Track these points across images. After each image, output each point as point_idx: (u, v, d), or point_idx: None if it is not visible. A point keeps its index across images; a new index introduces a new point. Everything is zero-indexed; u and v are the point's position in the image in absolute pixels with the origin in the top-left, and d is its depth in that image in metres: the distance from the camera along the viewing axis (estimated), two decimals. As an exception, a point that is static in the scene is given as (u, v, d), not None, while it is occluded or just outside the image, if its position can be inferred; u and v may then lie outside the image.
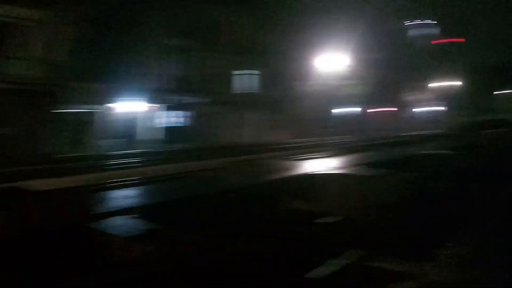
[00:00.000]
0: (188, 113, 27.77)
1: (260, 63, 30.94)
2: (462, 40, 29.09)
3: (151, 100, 24.66)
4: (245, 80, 31.64)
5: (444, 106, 51.36)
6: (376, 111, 45.98)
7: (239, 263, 4.17)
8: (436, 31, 53.37)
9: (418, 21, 52.50)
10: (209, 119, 28.57)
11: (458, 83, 49.93)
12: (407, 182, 6.16)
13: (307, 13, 32.04)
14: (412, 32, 53.16)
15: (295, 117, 35.43)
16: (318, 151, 17.95)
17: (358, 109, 40.15)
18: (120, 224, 6.14)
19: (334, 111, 38.59)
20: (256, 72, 31.22)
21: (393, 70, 44.85)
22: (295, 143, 26.73)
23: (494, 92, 61.56)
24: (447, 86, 49.19)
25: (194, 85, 27.46)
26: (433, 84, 43.18)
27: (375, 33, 40.99)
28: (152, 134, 25.09)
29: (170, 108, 26.54)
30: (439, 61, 42.23)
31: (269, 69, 30.98)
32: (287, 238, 4.79)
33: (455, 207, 6.20)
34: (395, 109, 48.39)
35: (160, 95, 25.34)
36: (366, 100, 39.27)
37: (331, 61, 32.18)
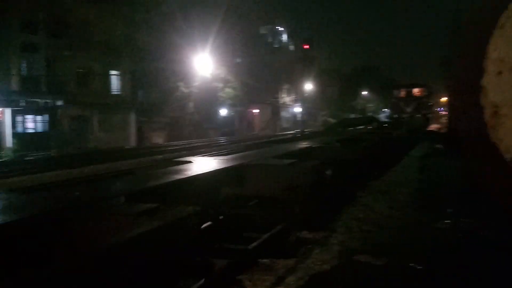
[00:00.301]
0: (49, 117, 24.71)
1: (135, 63, 29.30)
2: (305, 46, 32.22)
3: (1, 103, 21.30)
4: (118, 81, 29.69)
5: (311, 108, 55.60)
6: (253, 112, 47.76)
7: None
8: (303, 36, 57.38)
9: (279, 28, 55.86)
10: (77, 123, 25.93)
11: (316, 86, 54.59)
12: (310, 167, 6.47)
13: (182, 16, 31.46)
14: (281, 37, 56.59)
15: (175, 119, 34.67)
16: (212, 151, 17.57)
17: (237, 110, 41.07)
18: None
19: (214, 112, 38.82)
20: (122, 73, 29.41)
21: (266, 73, 47.01)
22: (180, 145, 25.83)
23: (362, 93, 69.41)
24: (313, 89, 53.42)
25: (55, 86, 24.58)
26: (303, 87, 46.68)
27: (247, 37, 42.47)
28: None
29: (24, 111, 23.29)
30: (304, 65, 45.65)
31: (145, 70, 29.53)
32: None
33: (345, 189, 7.53)
34: (270, 110, 50.90)
35: (12, 96, 22.06)
36: (244, 102, 40.40)
37: (207, 64, 32.55)
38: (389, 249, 4.49)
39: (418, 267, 3.84)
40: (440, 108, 78.08)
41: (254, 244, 4.81)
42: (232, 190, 5.76)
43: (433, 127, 36.04)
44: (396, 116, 35.12)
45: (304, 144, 10.66)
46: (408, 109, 35.64)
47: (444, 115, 69.45)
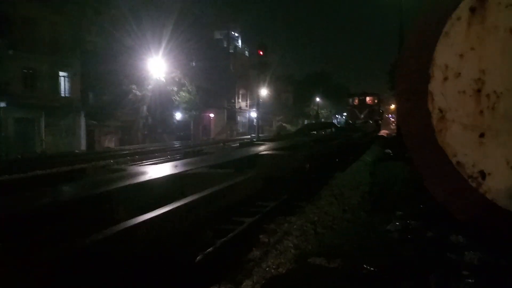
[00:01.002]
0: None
1: (85, 65, 28.24)
2: (260, 52, 33.16)
3: None
4: (67, 83, 28.49)
5: (266, 113, 55.98)
6: (209, 117, 47.45)
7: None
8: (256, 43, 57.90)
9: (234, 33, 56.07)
10: (22, 126, 24.57)
11: (271, 91, 55.27)
12: (303, 157, 8.38)
13: (134, 18, 30.71)
14: (236, 42, 56.78)
15: (127, 123, 33.77)
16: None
17: (193, 115, 40.60)
18: None
19: (169, 116, 38.18)
20: (71, 74, 28.29)
21: (222, 77, 46.94)
22: (132, 150, 25.11)
23: (316, 99, 70.68)
24: (268, 94, 53.93)
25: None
26: (258, 93, 47.02)
27: (201, 41, 42.21)
28: None
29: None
30: (259, 71, 46.03)
31: (95, 71, 28.51)
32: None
33: (325, 176, 9.56)
34: (226, 115, 50.81)
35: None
36: (199, 106, 40.02)
37: (161, 67, 32.06)
38: (343, 251, 4.60)
39: (371, 268, 3.96)
40: (389, 115, 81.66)
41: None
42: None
43: (383, 132, 38.74)
44: (350, 122, 38.11)
45: (282, 144, 11.33)
46: (362, 116, 38.28)
47: (392, 122, 72.77)
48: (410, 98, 3.62)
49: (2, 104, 23.15)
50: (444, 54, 3.48)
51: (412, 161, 4.30)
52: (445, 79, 3.45)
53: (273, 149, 8.92)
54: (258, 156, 7.50)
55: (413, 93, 3.58)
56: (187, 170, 5.63)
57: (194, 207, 4.05)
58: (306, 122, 72.29)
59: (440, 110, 3.47)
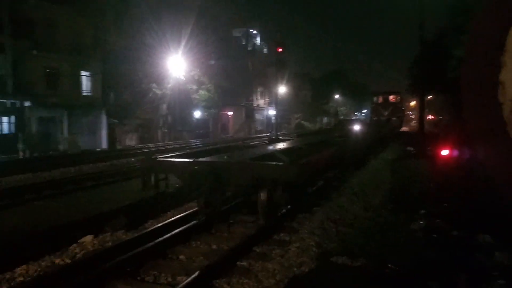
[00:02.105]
0: (17, 119, 23.80)
1: (105, 64, 28.67)
2: (278, 50, 33.50)
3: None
4: (89, 82, 28.99)
5: (285, 111, 55.89)
6: (227, 115, 47.60)
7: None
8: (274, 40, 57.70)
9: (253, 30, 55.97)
10: (46, 124, 25.13)
11: (289, 89, 55.04)
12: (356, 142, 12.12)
13: (154, 17, 30.98)
14: (255, 40, 56.71)
15: (147, 121, 34.17)
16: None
17: (211, 113, 40.82)
18: None
19: (188, 114, 38.44)
20: (92, 74, 28.74)
21: (240, 75, 47.00)
22: (157, 147, 25.37)
23: (334, 97, 70.15)
24: (286, 92, 53.72)
25: (23, 87, 23.74)
26: (277, 90, 46.93)
27: (220, 39, 42.30)
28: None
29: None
30: (277, 68, 45.94)
31: (116, 71, 28.90)
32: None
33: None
34: (244, 112, 50.84)
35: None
36: (218, 104, 40.20)
37: (181, 65, 32.26)
38: (367, 251, 4.54)
39: (395, 268, 3.89)
40: (410, 112, 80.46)
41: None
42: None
43: (405, 128, 40.44)
44: (375, 118, 41.10)
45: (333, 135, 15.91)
46: (386, 113, 41.02)
47: (412, 118, 71.65)
48: (477, 89, 3.35)
49: (27, 104, 23.71)
50: None
51: (480, 159, 3.97)
52: None
53: (334, 137, 13.64)
54: (333, 140, 12.34)
55: (481, 84, 3.33)
56: (301, 144, 10.46)
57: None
58: (325, 119, 71.80)
59: None
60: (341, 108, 74.97)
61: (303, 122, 60.42)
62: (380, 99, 43.29)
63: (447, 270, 3.59)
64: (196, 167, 6.71)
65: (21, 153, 22.58)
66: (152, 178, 7.34)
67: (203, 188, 6.55)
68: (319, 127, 56.93)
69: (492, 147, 3.35)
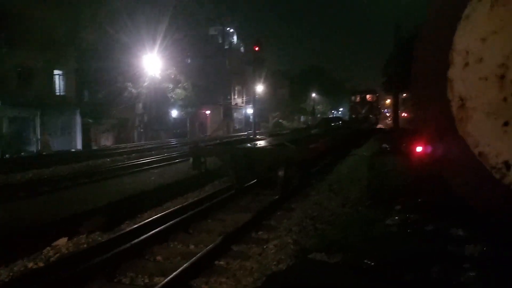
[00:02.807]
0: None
1: (80, 62, 28.00)
2: (255, 48, 33.88)
3: None
4: (62, 81, 28.27)
5: (263, 109, 55.97)
6: (205, 113, 47.30)
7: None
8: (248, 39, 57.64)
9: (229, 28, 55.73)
10: (17, 125, 24.40)
11: (267, 87, 55.23)
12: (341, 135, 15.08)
13: (128, 15, 30.44)
14: (231, 38, 56.49)
15: (123, 121, 33.63)
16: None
17: (189, 112, 40.49)
18: None
19: (165, 113, 38.06)
20: (66, 72, 28.07)
21: (217, 74, 46.80)
22: (131, 147, 25.02)
23: (312, 95, 70.60)
24: (264, 90, 53.82)
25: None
26: (254, 89, 46.98)
27: (196, 37, 42.02)
28: None
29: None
30: (254, 67, 46.00)
31: (90, 69, 28.31)
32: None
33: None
34: (222, 111, 50.67)
35: None
36: (195, 103, 39.90)
37: (156, 64, 31.91)
38: (343, 247, 4.60)
39: (371, 263, 3.96)
40: (385, 109, 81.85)
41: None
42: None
43: (380, 126, 42.82)
44: (354, 116, 44.22)
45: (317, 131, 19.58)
46: (363, 111, 43.96)
47: (387, 116, 73.04)
48: (427, 86, 3.43)
49: (-3, 103, 22.96)
50: (465, 39, 3.27)
51: (430, 152, 4.14)
52: (466, 65, 3.26)
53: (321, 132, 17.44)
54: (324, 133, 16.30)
55: (431, 81, 3.38)
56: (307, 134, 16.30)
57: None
58: (302, 118, 72.24)
59: (461, 98, 3.27)
60: (318, 107, 75.61)
61: (281, 120, 60.66)
62: (358, 98, 45.95)
63: (421, 263, 3.67)
64: (234, 151, 9.76)
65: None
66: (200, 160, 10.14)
67: (238, 167, 9.32)
68: (296, 126, 57.36)
69: (441, 142, 3.43)
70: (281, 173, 8.56)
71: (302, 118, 72.08)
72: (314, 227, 6.35)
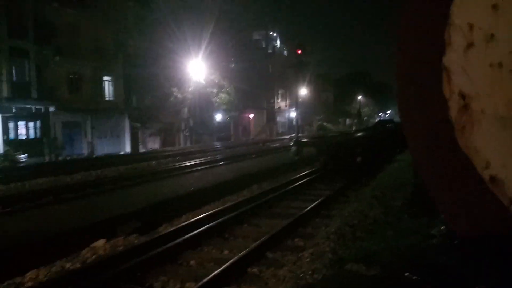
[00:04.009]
0: (41, 123, 24.33)
1: (127, 69, 29.07)
2: (298, 52, 33.78)
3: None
4: (111, 86, 29.45)
5: (306, 112, 55.51)
6: (248, 117, 47.58)
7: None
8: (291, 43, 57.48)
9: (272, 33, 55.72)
10: (69, 129, 25.66)
11: (310, 91, 54.68)
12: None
13: (174, 21, 31.23)
14: (275, 43, 56.52)
15: (169, 125, 34.45)
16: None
17: (232, 116, 40.88)
18: None
19: (209, 118, 38.61)
20: (114, 78, 29.20)
21: (261, 78, 46.94)
22: (184, 150, 25.58)
23: (358, 98, 69.27)
24: (308, 94, 53.35)
25: (47, 92, 24.26)
26: (298, 92, 46.70)
27: (240, 42, 42.36)
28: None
29: (15, 118, 22.95)
30: (298, 70, 45.70)
31: (138, 75, 29.28)
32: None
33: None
34: (265, 115, 50.75)
35: (2, 103, 21.79)
36: (239, 107, 40.22)
37: (201, 69, 32.39)
38: (383, 257, 4.31)
39: (413, 277, 3.65)
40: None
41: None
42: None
43: None
44: None
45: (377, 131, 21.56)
46: None
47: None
48: (414, 79, 2.27)
49: (51, 109, 24.23)
50: (467, 8, 2.08)
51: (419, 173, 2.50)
52: (469, 46, 2.08)
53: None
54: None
55: (420, 71, 2.23)
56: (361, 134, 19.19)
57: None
58: (347, 121, 70.86)
59: (463, 96, 2.10)
60: (364, 109, 73.89)
61: (325, 123, 59.80)
62: None
63: (467, 280, 3.32)
64: (327, 143, 14.60)
65: (47, 157, 23.11)
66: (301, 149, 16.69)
67: (329, 154, 13.38)
68: (342, 129, 56.35)
69: (432, 160, 2.29)
70: (358, 159, 12.71)
71: (348, 121, 70.67)
72: (353, 235, 6.06)
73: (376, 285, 3.75)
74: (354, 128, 57.01)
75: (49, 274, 5.12)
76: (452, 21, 2.10)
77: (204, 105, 36.24)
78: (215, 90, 36.33)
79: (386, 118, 73.69)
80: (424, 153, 2.25)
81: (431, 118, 2.16)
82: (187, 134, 36.25)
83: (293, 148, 17.06)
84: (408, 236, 5.04)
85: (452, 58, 2.13)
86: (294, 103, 49.46)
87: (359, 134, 19.30)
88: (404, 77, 2.24)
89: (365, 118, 70.42)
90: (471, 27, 2.08)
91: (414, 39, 2.21)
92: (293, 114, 52.92)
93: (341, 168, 13.08)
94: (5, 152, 21.04)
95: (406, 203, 7.23)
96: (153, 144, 32.93)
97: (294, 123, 49.64)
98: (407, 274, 3.81)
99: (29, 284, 4.82)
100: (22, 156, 21.36)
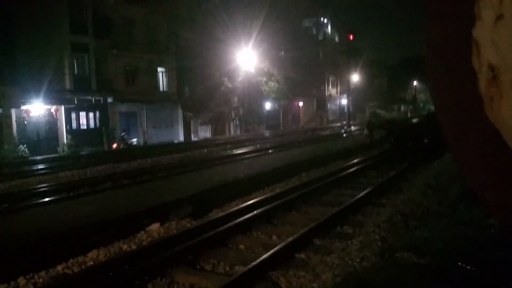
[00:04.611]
0: (100, 114, 25.67)
1: (180, 60, 29.92)
2: (350, 37, 32.92)
3: (56, 101, 22.48)
4: (164, 78, 30.43)
5: (358, 99, 54.24)
6: (298, 105, 47.30)
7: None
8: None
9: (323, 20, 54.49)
10: (126, 119, 26.91)
11: (362, 77, 53.15)
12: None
13: (225, 11, 31.56)
14: (325, 29, 55.42)
15: (220, 114, 35.09)
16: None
17: (281, 104, 40.83)
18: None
19: (259, 106, 38.83)
20: (167, 70, 30.08)
21: (311, 65, 46.35)
22: (238, 138, 26.13)
23: (414, 83, 66.46)
24: (360, 80, 52.02)
25: (105, 84, 25.53)
26: (349, 79, 45.58)
27: (290, 30, 41.97)
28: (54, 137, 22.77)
29: (77, 109, 24.34)
30: (349, 57, 44.61)
31: (189, 66, 30.04)
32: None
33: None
34: (315, 103, 50.19)
35: (65, 95, 23.22)
36: (288, 95, 40.06)
37: (251, 58, 32.51)
38: (435, 247, 4.17)
39: (467, 267, 3.51)
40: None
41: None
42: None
43: None
44: None
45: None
46: None
47: None
48: (443, 52, 2.28)
49: (109, 100, 25.50)
50: None
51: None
52: (499, 18, 2.01)
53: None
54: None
55: (448, 44, 2.24)
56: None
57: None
58: (402, 107, 68.34)
59: (492, 68, 2.06)
60: (420, 95, 70.82)
61: (378, 111, 58.09)
62: None
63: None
64: (398, 125, 17.47)
65: (106, 146, 24.42)
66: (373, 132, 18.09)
67: (395, 135, 15.83)
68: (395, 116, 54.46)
69: (462, 133, 2.17)
70: (426, 140, 14.87)
71: (402, 108, 68.12)
72: (405, 224, 5.90)
73: (426, 273, 3.65)
74: (409, 114, 54.93)
75: (108, 254, 5.46)
76: None
77: (254, 94, 36.41)
78: (264, 79, 36.38)
79: None
80: (453, 126, 2.21)
81: (459, 90, 2.16)
82: (237, 123, 36.71)
83: (366, 131, 18.56)
84: (463, 226, 4.84)
85: (482, 31, 2.09)
86: (345, 90, 48.52)
87: (420, 120, 21.37)
88: (432, 50, 2.26)
89: (420, 104, 67.52)
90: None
91: (443, 12, 2.21)
92: (344, 101, 51.91)
93: (410, 146, 15.12)
94: (68, 141, 22.45)
95: (462, 192, 6.92)
96: (205, 133, 33.69)
97: (345, 110, 48.74)
98: (460, 264, 3.67)
99: (91, 263, 5.18)
100: (83, 145, 22.77)
